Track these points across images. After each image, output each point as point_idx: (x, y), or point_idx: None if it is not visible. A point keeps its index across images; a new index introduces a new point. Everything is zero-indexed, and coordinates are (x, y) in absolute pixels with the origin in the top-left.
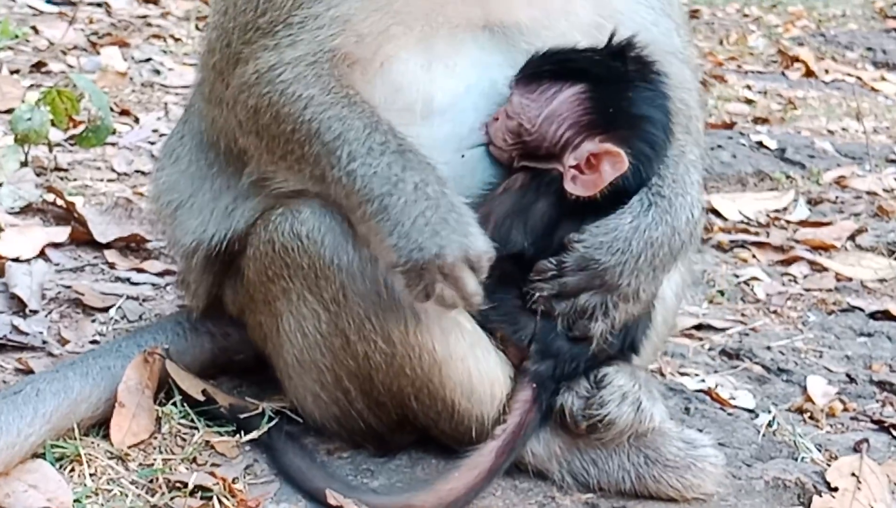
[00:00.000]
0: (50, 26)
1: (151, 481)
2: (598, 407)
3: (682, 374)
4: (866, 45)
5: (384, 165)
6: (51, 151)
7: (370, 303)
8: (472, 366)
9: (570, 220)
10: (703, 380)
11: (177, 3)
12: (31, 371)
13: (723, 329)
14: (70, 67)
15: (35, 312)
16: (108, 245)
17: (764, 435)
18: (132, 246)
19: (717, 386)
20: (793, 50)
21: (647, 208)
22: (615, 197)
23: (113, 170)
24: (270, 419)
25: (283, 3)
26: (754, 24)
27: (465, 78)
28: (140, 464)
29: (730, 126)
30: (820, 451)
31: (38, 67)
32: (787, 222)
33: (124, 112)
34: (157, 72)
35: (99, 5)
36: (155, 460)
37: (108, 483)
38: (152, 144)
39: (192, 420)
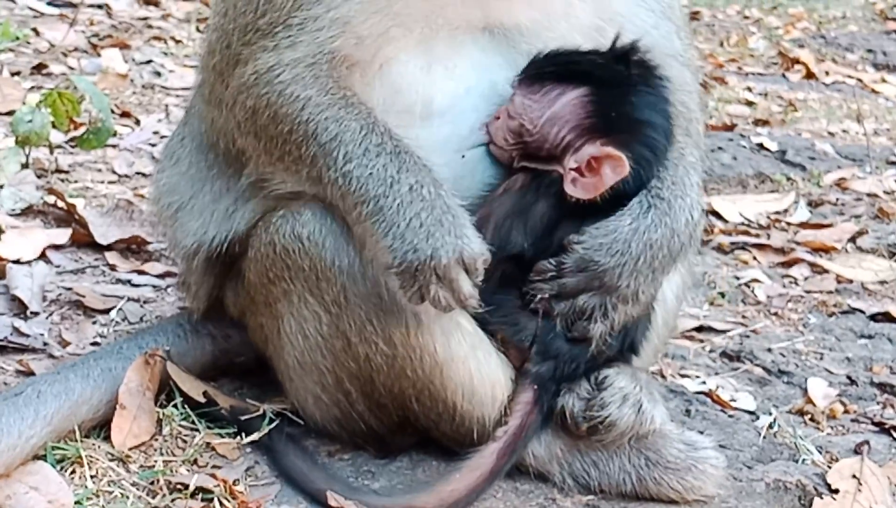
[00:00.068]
0: (51, 28)
1: (152, 483)
2: (599, 409)
3: (683, 376)
4: (867, 47)
5: (380, 166)
6: (52, 152)
7: (371, 305)
8: (473, 368)
9: (570, 221)
10: (703, 382)
11: (177, 5)
12: (32, 373)
13: (723, 331)
14: (71, 68)
15: (36, 314)
16: (109, 247)
17: (765, 437)
18: (133, 248)
19: (717, 388)
20: (793, 52)
21: (646, 210)
22: (615, 199)
23: (114, 172)
24: (271, 420)
25: (283, 5)
26: (755, 25)
27: (464, 79)
28: (141, 466)
29: (730, 128)
30: (821, 453)
31: (38, 68)
32: (788, 223)
33: (125, 114)
34: (158, 74)
35: (100, 7)
36: (156, 462)
37: (109, 485)
38: (153, 145)
39: (193, 422)
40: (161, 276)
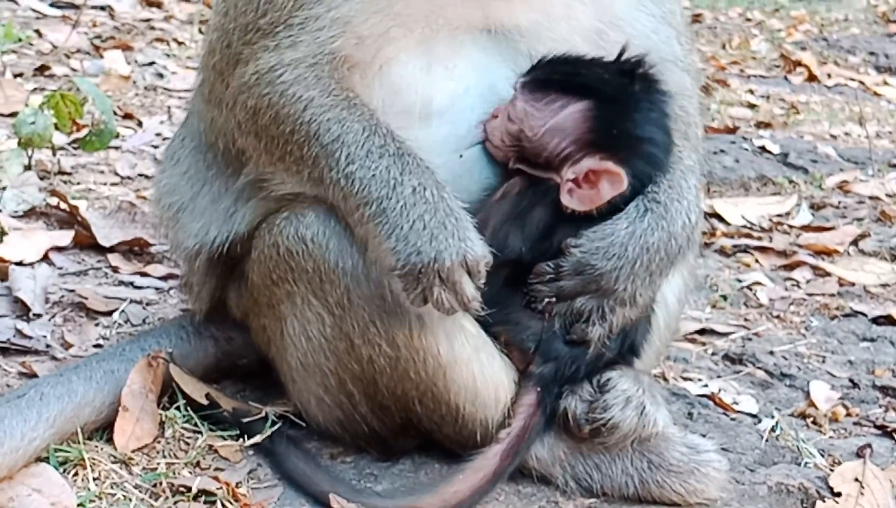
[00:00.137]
0: (53, 30)
1: (155, 485)
2: (601, 411)
3: (686, 379)
4: (869, 50)
5: (383, 168)
6: (54, 154)
7: (375, 307)
8: (476, 370)
9: (568, 225)
10: (706, 385)
11: (180, 7)
12: (34, 375)
13: (726, 334)
14: (73, 70)
15: (39, 316)
16: (112, 249)
17: (767, 440)
18: (135, 250)
19: (720, 391)
20: (795, 54)
21: (642, 214)
22: (613, 207)
23: (116, 174)
24: (274, 423)
25: (284, 5)
26: (757, 28)
27: (464, 80)
28: (143, 468)
29: (732, 131)
30: (823, 456)
31: (41, 70)
32: (790, 226)
33: (127, 116)
34: (161, 75)
35: (102, 9)
36: (158, 464)
37: (112, 488)
38: (155, 147)
39: (196, 425)
40: (163, 278)
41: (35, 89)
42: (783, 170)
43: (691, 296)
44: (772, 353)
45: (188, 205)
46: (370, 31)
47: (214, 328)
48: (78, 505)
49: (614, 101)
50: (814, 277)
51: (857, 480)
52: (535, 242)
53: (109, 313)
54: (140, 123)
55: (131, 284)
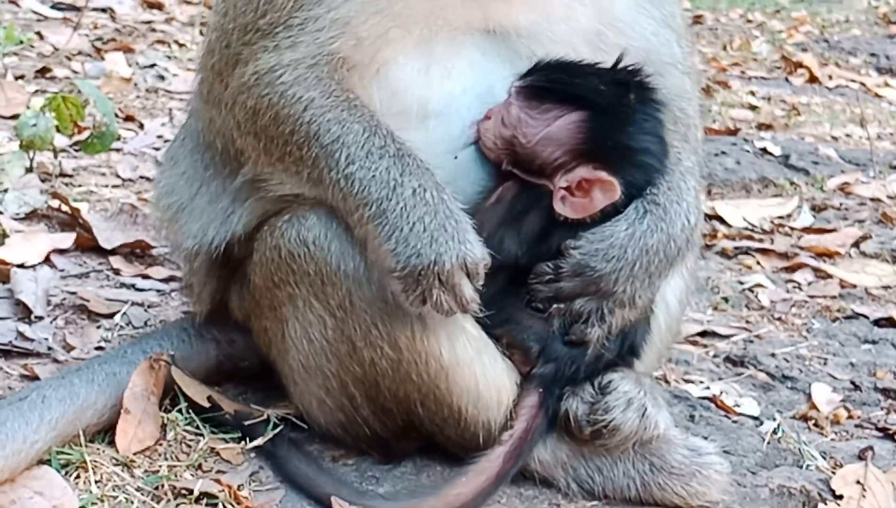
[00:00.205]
0: (54, 32)
1: (157, 488)
2: (602, 413)
3: (687, 381)
4: (870, 51)
5: (383, 169)
6: (56, 157)
7: (377, 309)
8: (478, 372)
9: (563, 228)
10: (707, 387)
11: (181, 9)
12: (36, 378)
13: (727, 336)
14: (75, 72)
15: (40, 318)
16: (113, 251)
17: (769, 443)
18: (137, 252)
19: (721, 393)
20: (796, 56)
21: (642, 216)
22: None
23: (118, 176)
24: (275, 425)
25: (284, 5)
26: (758, 29)
27: (461, 81)
28: (145, 471)
29: (734, 132)
30: (825, 459)
31: (42, 72)
32: (792, 228)
33: (129, 118)
34: (162, 77)
35: (103, 10)
36: (160, 466)
37: (114, 490)
38: (157, 149)
39: (198, 427)
40: (165, 280)
41: (36, 91)
42: (784, 172)
43: (692, 298)
44: (773, 355)
45: (187, 206)
46: (369, 32)
47: (216, 331)
48: None
49: (609, 111)
50: (815, 279)
51: (858, 482)
52: (530, 245)
53: (111, 316)
54: (141, 126)
55: (133, 286)
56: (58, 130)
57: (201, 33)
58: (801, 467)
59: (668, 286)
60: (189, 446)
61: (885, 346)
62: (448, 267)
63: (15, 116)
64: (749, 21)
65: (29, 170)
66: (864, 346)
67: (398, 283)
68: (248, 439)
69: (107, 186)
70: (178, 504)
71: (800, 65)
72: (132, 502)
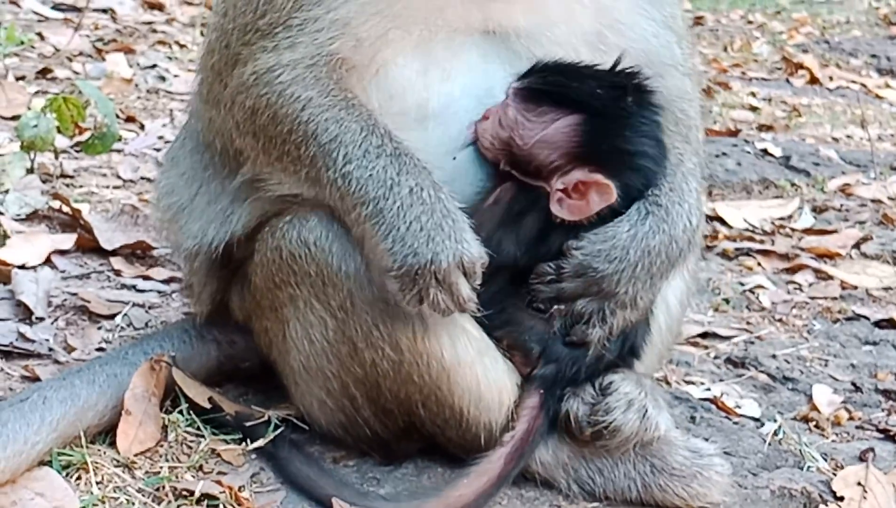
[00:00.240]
0: (55, 32)
1: (158, 489)
2: (603, 414)
3: (688, 382)
4: (870, 52)
5: (380, 168)
6: (57, 157)
7: (378, 311)
8: (480, 373)
9: (561, 229)
10: (708, 389)
11: (182, 10)
12: (37, 379)
13: (728, 337)
14: (76, 73)
15: (41, 319)
16: (114, 252)
17: (770, 444)
18: (138, 253)
19: (722, 395)
20: (797, 57)
21: (644, 217)
22: (609, 210)
23: (119, 177)
24: (276, 427)
25: (283, 6)
26: (758, 30)
27: (461, 82)
28: (146, 472)
29: (734, 133)
30: (826, 460)
31: (43, 73)
32: (792, 229)
33: (130, 119)
34: (163, 78)
35: (104, 11)
36: (161, 468)
37: (115, 491)
38: (158, 150)
39: (199, 428)
40: (166, 281)
41: (37, 92)
42: (785, 173)
43: (693, 299)
44: (774, 356)
45: (187, 206)
46: (369, 32)
47: (217, 332)
48: None
49: (605, 114)
50: (816, 280)
51: (859, 484)
52: (528, 246)
53: (112, 317)
54: (142, 126)
55: (134, 287)
56: (59, 130)
57: (202, 34)
58: (801, 468)
59: (668, 288)
60: (190, 447)
61: (886, 347)
62: (445, 266)
63: (16, 117)
64: (750, 22)
65: (30, 171)
66: (864, 347)
67: (395, 282)
68: (249, 440)
69: (108, 187)
70: (179, 506)
71: (800, 66)
72: (133, 503)
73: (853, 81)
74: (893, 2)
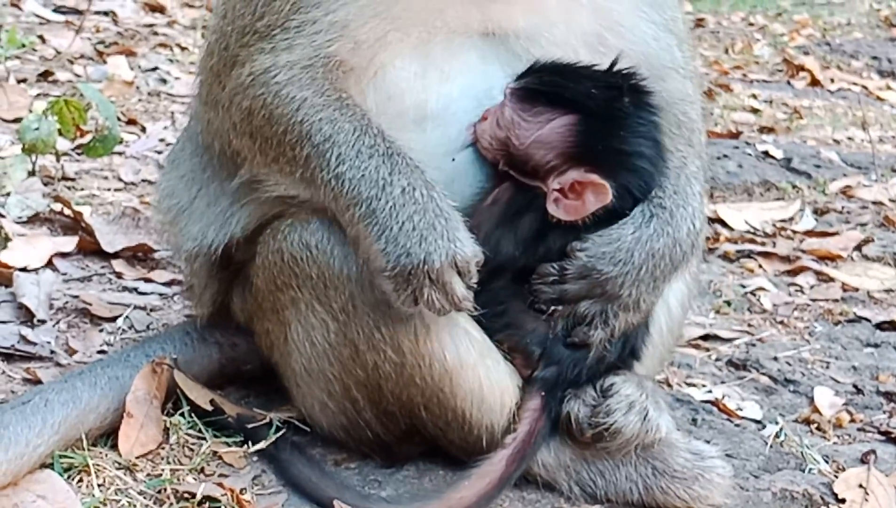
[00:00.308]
0: (57, 35)
1: (159, 491)
2: (604, 416)
3: (689, 385)
4: (871, 54)
5: (372, 168)
6: (58, 160)
7: (380, 313)
8: (482, 375)
9: (559, 229)
10: (710, 391)
11: (183, 12)
12: (39, 381)
13: (729, 340)
14: (77, 76)
15: (43, 321)
16: (116, 255)
17: (771, 446)
18: (139, 256)
19: (724, 397)
20: (798, 59)
21: (648, 220)
22: (609, 212)
23: (120, 179)
24: (278, 429)
25: (281, 7)
26: (759, 32)
27: (459, 83)
28: (148, 475)
29: (736, 135)
30: (827, 462)
31: (45, 76)
32: (794, 232)
33: (131, 121)
34: (164, 81)
35: (105, 14)
36: (163, 470)
37: (116, 494)
38: (159, 153)
39: (200, 431)
40: (167, 284)
41: (39, 95)
42: (786, 175)
43: (695, 302)
44: (776, 359)
45: (186, 208)
46: (367, 35)
47: (219, 334)
48: None
49: (601, 115)
50: (817, 282)
51: (861, 486)
52: (527, 246)
53: (113, 319)
54: (143, 129)
55: (135, 290)
56: (60, 133)
57: (203, 36)
58: (803, 470)
59: (669, 290)
60: (192, 449)
61: (888, 349)
62: (438, 266)
63: (17, 120)
64: (751, 24)
65: (31, 173)
66: (866, 349)
67: (389, 283)
68: (250, 442)
69: (109, 189)
70: None
71: (801, 68)
72: (135, 505)
73: (854, 83)
74: (894, 4)
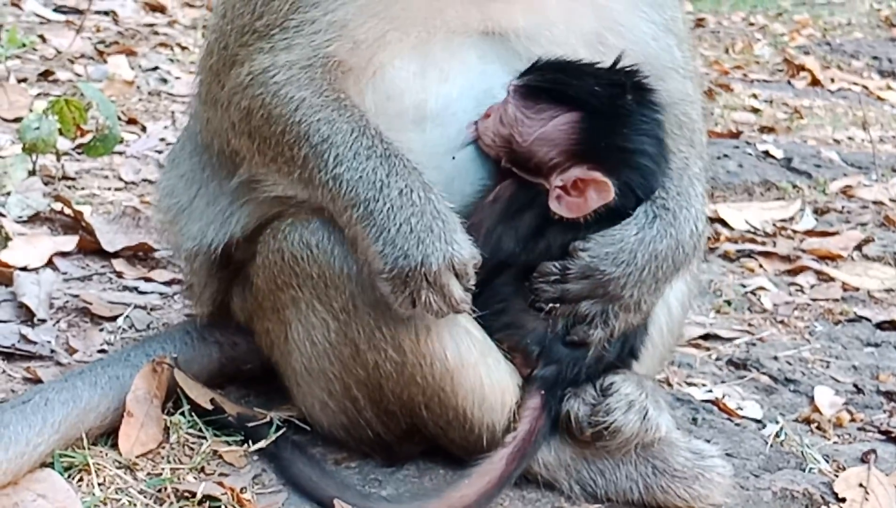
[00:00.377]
0: (57, 35)
1: (160, 490)
2: (604, 415)
3: (690, 384)
4: (872, 54)
5: (370, 169)
6: (59, 160)
7: (380, 312)
8: (483, 374)
9: (560, 227)
10: (710, 390)
11: (183, 12)
12: (39, 380)
13: (730, 339)
14: (77, 75)
15: (43, 321)
16: (116, 254)
17: (771, 446)
18: (140, 255)
19: (724, 396)
20: (798, 59)
21: (651, 220)
22: (610, 211)
23: (120, 179)
24: (278, 428)
25: (281, 7)
26: (760, 32)
27: (459, 83)
28: (148, 474)
29: (736, 135)
30: (827, 462)
31: (45, 75)
32: (794, 231)
33: (131, 121)
34: (164, 80)
35: (106, 14)
36: (163, 469)
37: (117, 493)
38: (159, 152)
39: (201, 430)
40: (168, 283)
41: (39, 95)
42: (787, 175)
43: (695, 301)
44: (776, 358)
45: (186, 207)
46: (366, 35)
47: (219, 333)
48: None
49: (604, 112)
50: (818, 282)
51: (861, 486)
52: (528, 243)
53: (114, 319)
54: (144, 129)
55: (135, 289)
56: (60, 133)
57: (203, 36)
58: (803, 470)
59: (670, 290)
60: (192, 448)
61: (888, 349)
62: (435, 268)
63: (18, 120)
64: (751, 24)
65: (32, 173)
66: (866, 349)
67: (387, 284)
68: (251, 441)
69: (109, 189)
70: (180, 507)
71: (802, 68)
72: (135, 505)
73: (854, 83)
74: (895, 4)
